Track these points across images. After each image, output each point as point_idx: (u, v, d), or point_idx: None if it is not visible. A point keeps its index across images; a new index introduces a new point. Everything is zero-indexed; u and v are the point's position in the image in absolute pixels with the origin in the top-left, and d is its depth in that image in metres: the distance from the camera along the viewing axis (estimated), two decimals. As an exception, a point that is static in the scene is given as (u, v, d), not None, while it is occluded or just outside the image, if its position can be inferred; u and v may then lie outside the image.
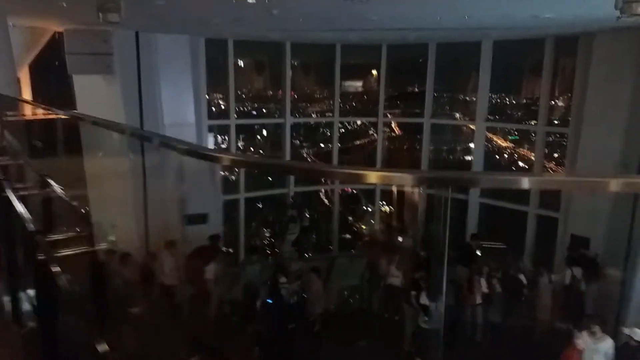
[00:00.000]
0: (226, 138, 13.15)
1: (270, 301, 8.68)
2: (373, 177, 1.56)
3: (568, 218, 10.38)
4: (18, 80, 10.49)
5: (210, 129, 12.68)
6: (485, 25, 8.69)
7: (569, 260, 9.55)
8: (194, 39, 11.17)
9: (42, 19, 8.66)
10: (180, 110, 11.22)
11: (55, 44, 10.27)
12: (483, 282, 9.07)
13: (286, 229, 11.88)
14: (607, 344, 6.84)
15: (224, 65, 12.09)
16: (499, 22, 8.12)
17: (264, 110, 14.02)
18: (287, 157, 13.11)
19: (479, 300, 9.01)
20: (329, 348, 9.02)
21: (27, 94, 11.00)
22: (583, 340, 6.92)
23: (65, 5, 6.50)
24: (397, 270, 9.81)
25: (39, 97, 11.36)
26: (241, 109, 13.79)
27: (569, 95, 10.75)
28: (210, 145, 12.72)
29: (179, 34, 10.66)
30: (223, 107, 13.06)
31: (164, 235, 10.68)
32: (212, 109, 12.77)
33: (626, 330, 6.87)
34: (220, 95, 13.14)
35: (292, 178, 13.12)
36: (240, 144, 14.52)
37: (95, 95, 10.14)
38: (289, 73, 12.81)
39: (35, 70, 11.03)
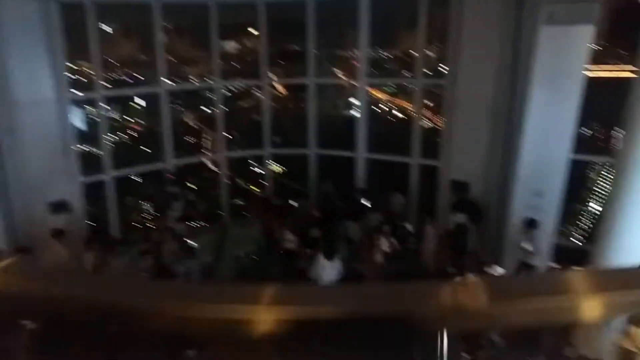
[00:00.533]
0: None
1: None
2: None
3: (448, 165, 10.90)
4: None
5: (78, 103, 11.33)
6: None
7: (453, 207, 10.07)
8: (46, 4, 9.75)
9: None
10: (35, 85, 9.90)
11: None
12: (384, 241, 9.02)
13: (167, 207, 11.12)
14: None
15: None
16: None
17: (141, 77, 12.83)
18: (167, 126, 12.22)
19: (380, 259, 8.98)
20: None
21: None
22: None
23: None
24: (291, 234, 9.66)
25: None
26: (114, 77, 12.54)
27: (444, 46, 11.05)
28: (77, 122, 11.37)
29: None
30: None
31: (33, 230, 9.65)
32: (82, 81, 11.39)
33: (487, 269, 7.19)
34: (89, 66, 11.71)
35: (170, 149, 12.29)
36: (116, 115, 13.32)
37: None
38: (160, 37, 11.75)
39: None
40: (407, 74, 12.29)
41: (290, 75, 13.76)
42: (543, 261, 9.23)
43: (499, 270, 7.12)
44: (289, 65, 13.89)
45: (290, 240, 9.66)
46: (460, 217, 9.72)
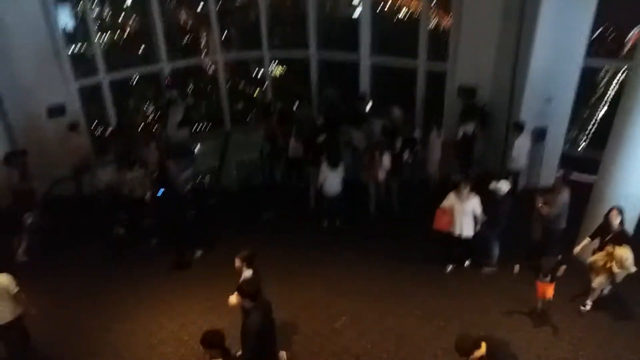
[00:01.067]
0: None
1: (161, 192, 8.06)
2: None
3: (455, 70, 10.46)
4: None
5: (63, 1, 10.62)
6: None
7: (461, 115, 9.80)
8: None
9: None
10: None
11: None
12: (386, 158, 8.67)
13: (166, 112, 10.82)
14: (473, 202, 7.04)
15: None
16: None
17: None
18: (158, 26, 11.51)
19: (382, 176, 8.74)
20: (235, 224, 8.87)
21: None
22: (449, 201, 7.16)
23: None
24: (296, 141, 9.50)
25: None
26: None
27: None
28: (65, 22, 10.72)
29: None
30: None
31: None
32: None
33: (492, 185, 7.07)
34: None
35: (163, 51, 11.71)
36: (106, 14, 12.53)
37: None
38: None
39: None
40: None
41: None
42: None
43: (504, 187, 7.02)
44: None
45: (294, 147, 9.51)
46: (469, 126, 9.49)
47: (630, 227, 7.08)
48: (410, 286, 7.27)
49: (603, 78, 12.00)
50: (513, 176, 9.08)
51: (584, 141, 11.99)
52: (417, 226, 8.32)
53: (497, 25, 9.46)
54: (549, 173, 9.43)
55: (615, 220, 6.22)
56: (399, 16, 13.05)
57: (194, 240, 8.08)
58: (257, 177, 10.33)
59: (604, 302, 6.60)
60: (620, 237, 6.15)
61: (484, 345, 4.34)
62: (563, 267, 6.14)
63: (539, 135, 8.78)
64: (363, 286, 7.30)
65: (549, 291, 6.23)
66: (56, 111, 10.15)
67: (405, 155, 8.81)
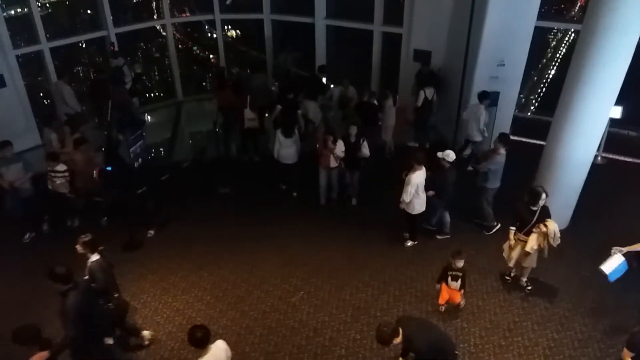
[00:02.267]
0: None
1: (109, 169, 7.73)
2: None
3: (411, 33, 10.30)
4: None
5: None
6: None
7: (419, 80, 9.70)
8: None
9: None
10: None
11: None
12: (340, 145, 7.90)
13: (112, 81, 10.27)
14: (422, 175, 6.99)
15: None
16: None
17: None
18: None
19: (333, 164, 8.10)
20: (188, 200, 8.64)
21: None
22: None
23: None
24: (251, 112, 9.22)
25: None
26: None
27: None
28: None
29: None
30: None
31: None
32: None
33: (439, 154, 7.06)
34: None
35: (109, 17, 11.02)
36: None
37: None
38: None
39: None
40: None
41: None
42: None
43: (451, 156, 7.05)
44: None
45: (250, 118, 9.23)
46: (429, 91, 9.42)
47: (576, 191, 7.30)
48: (366, 258, 7.30)
49: (553, 39, 12.10)
50: (471, 145, 9.20)
51: (535, 104, 12.18)
52: (374, 198, 8.40)
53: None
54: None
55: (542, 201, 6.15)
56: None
57: (145, 219, 7.84)
58: (212, 150, 10.01)
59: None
60: (545, 213, 6.19)
61: (401, 331, 4.45)
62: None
63: (492, 100, 8.78)
64: (320, 259, 7.29)
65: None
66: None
67: (364, 148, 7.96)
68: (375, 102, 9.39)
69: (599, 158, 9.30)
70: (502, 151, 7.26)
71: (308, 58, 11.93)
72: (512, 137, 9.51)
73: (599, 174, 7.98)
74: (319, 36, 11.81)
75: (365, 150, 7.94)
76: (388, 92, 9.42)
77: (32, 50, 10.40)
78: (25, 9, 10.25)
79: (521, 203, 6.26)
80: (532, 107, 12.16)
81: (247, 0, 12.62)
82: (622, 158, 9.56)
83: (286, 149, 8.33)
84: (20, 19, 10.48)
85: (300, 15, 11.98)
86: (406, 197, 6.98)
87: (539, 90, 12.72)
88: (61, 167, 7.36)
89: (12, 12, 10.43)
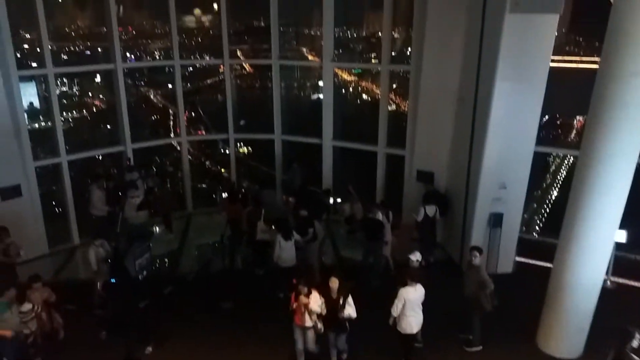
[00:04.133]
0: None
1: (114, 281, 7.69)
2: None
3: (413, 155, 10.76)
4: None
5: (32, 79, 10.63)
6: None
7: (424, 199, 9.95)
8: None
9: None
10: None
11: None
12: (315, 298, 6.54)
13: (124, 195, 10.62)
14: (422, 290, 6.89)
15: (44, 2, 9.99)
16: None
17: (99, 50, 12.10)
18: (123, 104, 11.52)
19: (308, 322, 6.67)
20: (190, 315, 8.44)
21: None
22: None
23: None
24: (265, 225, 9.38)
25: None
26: (73, 49, 11.93)
27: (409, 29, 10.78)
28: (28, 100, 10.67)
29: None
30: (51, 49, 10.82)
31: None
32: (32, 56, 10.69)
33: (410, 256, 7.30)
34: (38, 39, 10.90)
35: (127, 132, 11.67)
36: (71, 92, 12.63)
37: None
38: (113, 10, 10.90)
39: None
40: (374, 58, 12.00)
41: (257, 53, 13.28)
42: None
43: (417, 256, 7.27)
44: (255, 42, 13.39)
45: (263, 230, 9.37)
46: (431, 208, 9.62)
47: (588, 316, 7.10)
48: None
49: (553, 163, 12.55)
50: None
51: (539, 226, 12.30)
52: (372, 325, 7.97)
53: (452, 111, 9.93)
54: (507, 258, 9.54)
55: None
56: (360, 101, 13.61)
57: (144, 334, 7.62)
58: (217, 263, 10.00)
59: None
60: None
61: None
62: None
63: (495, 222, 8.92)
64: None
65: None
66: (11, 192, 9.86)
67: (349, 307, 6.57)
68: (381, 217, 9.52)
69: (608, 282, 9.16)
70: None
71: (315, 175, 12.34)
72: (518, 259, 9.52)
73: (610, 299, 7.81)
74: (326, 156, 12.33)
75: (351, 310, 6.57)
76: (384, 208, 9.57)
77: (52, 162, 10.89)
78: (49, 123, 10.93)
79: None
80: (537, 228, 12.25)
81: (259, 121, 13.40)
82: (632, 283, 9.41)
83: (286, 251, 8.51)
84: (43, 131, 11.13)
85: (309, 136, 12.63)
86: (393, 311, 6.74)
87: (543, 212, 12.91)
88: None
89: (36, 125, 11.09)
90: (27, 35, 10.66)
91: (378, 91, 11.83)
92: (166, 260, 10.85)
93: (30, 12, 9.99)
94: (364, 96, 13.54)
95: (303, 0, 12.55)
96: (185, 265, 10.45)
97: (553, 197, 13.63)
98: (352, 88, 13.63)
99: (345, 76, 13.30)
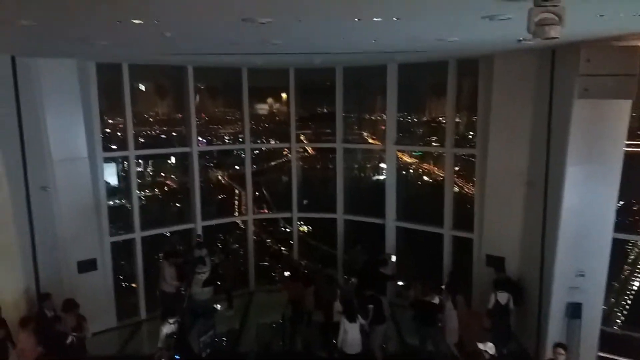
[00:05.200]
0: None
1: (177, 357, 7.74)
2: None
3: (482, 239, 10.46)
4: None
5: (111, 160, 11.54)
6: (393, 49, 8.55)
7: (495, 285, 9.53)
8: (83, 63, 10.10)
9: None
10: (70, 143, 10.05)
11: None
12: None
13: (193, 271, 10.91)
14: None
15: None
16: (405, 45, 7.98)
17: (174, 134, 13.13)
18: (197, 184, 12.26)
19: None
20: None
21: None
22: None
23: None
24: (341, 305, 9.23)
25: None
26: (150, 133, 12.92)
27: (474, 114, 10.92)
28: (109, 179, 11.54)
29: (64, 57, 9.54)
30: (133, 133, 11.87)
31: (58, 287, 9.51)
32: (115, 138, 11.68)
33: (480, 345, 6.87)
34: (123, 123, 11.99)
35: (198, 210, 12.23)
36: (148, 172, 13.52)
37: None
38: (192, 99, 12.01)
39: None
40: (435, 142, 12.16)
41: (320, 137, 13.85)
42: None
43: (488, 347, 6.79)
44: (319, 127, 14.03)
45: (339, 311, 9.13)
46: (503, 296, 9.14)
47: None
48: None
49: (632, 251, 11.75)
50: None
51: (621, 319, 11.33)
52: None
53: (521, 195, 9.67)
54: (589, 353, 8.77)
55: None
56: (424, 182, 13.61)
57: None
58: (277, 343, 9.85)
59: None
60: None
61: None
62: None
63: (574, 312, 8.33)
64: None
65: None
66: (87, 266, 10.37)
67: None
68: (437, 301, 9.11)
69: None
70: None
71: (378, 255, 12.18)
72: (600, 354, 8.76)
73: None
74: (389, 236, 12.23)
75: None
76: (450, 293, 9.21)
77: (126, 238, 11.49)
78: (125, 200, 11.67)
79: None
80: (618, 322, 11.29)
81: (321, 200, 13.66)
82: None
83: (351, 335, 8.22)
84: (119, 208, 11.85)
85: (371, 216, 12.65)
86: None
87: (624, 304, 11.92)
88: None
89: (111, 202, 11.82)
90: (110, 121, 11.72)
91: (440, 173, 11.85)
92: (227, 338, 10.81)
93: (118, 101, 11.09)
94: (426, 178, 13.57)
95: (366, 89, 13.12)
96: (246, 344, 10.36)
97: (634, 288, 12.61)
98: (413, 170, 13.73)
99: (406, 158, 13.46)
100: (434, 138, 12.48)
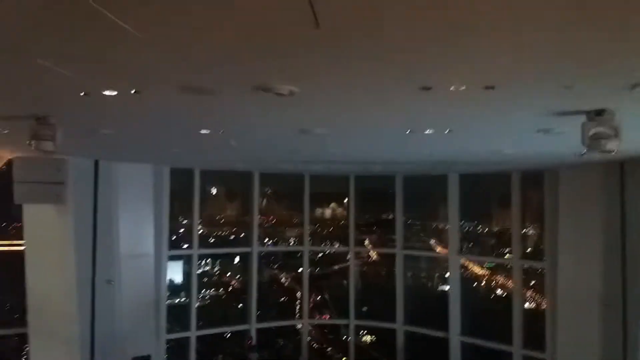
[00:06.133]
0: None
1: None
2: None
3: (555, 357, 9.49)
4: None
5: (179, 258, 11.96)
6: (449, 159, 8.60)
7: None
8: (159, 168, 10.91)
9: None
10: (138, 240, 10.56)
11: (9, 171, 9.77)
12: None
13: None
14: None
15: (201, 194, 11.88)
16: (462, 156, 8.01)
17: (242, 235, 13.56)
18: (254, 285, 12.33)
19: None
20: None
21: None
22: None
23: (6, 132, 6.17)
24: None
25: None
26: (219, 234, 13.48)
27: (541, 225, 10.45)
28: (172, 277, 11.87)
29: (141, 162, 10.38)
30: (203, 232, 12.47)
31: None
32: (180, 237, 12.18)
33: None
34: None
35: (254, 312, 12.15)
36: (211, 271, 13.81)
37: (45, 224, 9.48)
38: (257, 203, 12.56)
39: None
40: (508, 252, 11.58)
41: (386, 243, 13.67)
42: None
43: None
44: (379, 233, 13.95)
45: None
46: None
47: None
48: None
49: None
50: None
51: None
52: None
53: (597, 313, 8.80)
54: None
55: None
56: (495, 295, 12.82)
57: None
58: None
59: None
60: None
61: None
62: None
63: None
64: None
65: None
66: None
67: None
68: None
69: None
70: None
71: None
72: None
73: None
74: (454, 352, 11.41)
75: None
76: None
77: (182, 336, 11.49)
78: (185, 299, 11.84)
79: None
80: None
81: (382, 309, 13.15)
82: None
83: None
84: (180, 306, 11.99)
85: (433, 329, 11.94)
86: None
87: None
88: None
89: (175, 300, 12.02)
90: (184, 221, 12.31)
91: (512, 286, 11.16)
92: None
93: (188, 204, 11.73)
94: (498, 291, 12.82)
95: (428, 196, 13.06)
96: None
97: None
98: (484, 282, 13.05)
99: (477, 269, 12.91)
100: (507, 249, 11.94)
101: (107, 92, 3.98)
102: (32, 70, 3.40)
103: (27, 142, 4.99)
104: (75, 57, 3.16)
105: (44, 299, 9.30)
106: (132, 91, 3.96)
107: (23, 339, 9.92)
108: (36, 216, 9.50)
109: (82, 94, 4.01)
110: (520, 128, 5.33)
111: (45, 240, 9.42)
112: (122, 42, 2.79)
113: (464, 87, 3.63)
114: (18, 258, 9.67)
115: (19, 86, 3.95)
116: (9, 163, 9.12)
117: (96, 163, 9.75)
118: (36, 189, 8.69)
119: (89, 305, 9.61)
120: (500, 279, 12.48)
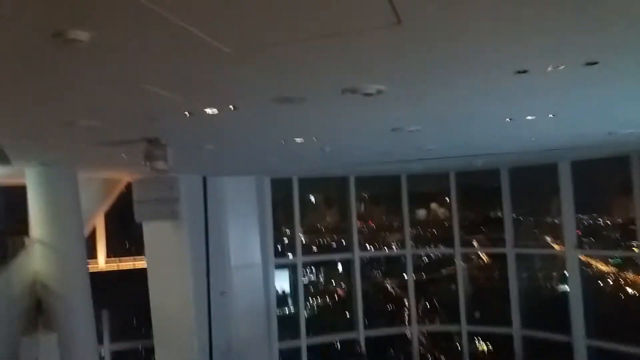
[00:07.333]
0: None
1: None
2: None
3: None
4: (94, 229, 11.01)
5: (285, 267, 12.36)
6: (558, 146, 7.98)
7: None
8: (260, 179, 11.36)
9: (110, 170, 9.15)
10: (246, 251, 11.07)
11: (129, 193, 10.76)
12: None
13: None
14: None
15: (300, 202, 12.21)
16: (572, 141, 7.39)
17: (343, 242, 13.68)
18: (359, 292, 12.38)
19: None
20: None
21: (101, 242, 11.45)
22: None
23: (125, 157, 6.78)
24: None
25: (113, 245, 11.81)
26: (321, 241, 13.70)
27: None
28: (279, 283, 12.26)
29: (244, 175, 10.87)
30: (304, 241, 12.80)
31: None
32: (285, 246, 12.61)
33: None
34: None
35: (361, 319, 12.12)
36: (316, 279, 14.08)
37: (162, 241, 10.24)
38: (354, 207, 12.57)
39: (111, 218, 11.53)
40: (637, 247, 10.43)
41: (496, 243, 12.99)
42: None
43: None
44: (486, 232, 13.24)
45: None
46: None
47: None
48: None
49: None
50: None
51: None
52: None
53: None
54: None
55: None
56: (625, 293, 11.61)
57: None
58: None
59: None
60: None
61: None
62: None
63: None
64: None
65: None
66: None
67: None
68: None
69: None
70: None
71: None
72: None
73: None
74: (580, 357, 10.47)
75: None
76: None
77: (293, 345, 11.76)
78: (293, 308, 12.20)
79: None
80: None
81: (497, 313, 12.50)
82: None
83: None
84: (289, 316, 12.34)
85: (555, 332, 11.08)
86: None
87: None
88: None
89: (284, 310, 12.38)
90: (287, 230, 12.70)
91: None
92: None
93: (288, 213, 12.09)
94: (628, 289, 11.57)
95: (538, 189, 12.19)
96: None
97: None
98: (612, 279, 11.86)
99: (601, 266, 11.79)
100: (634, 242, 10.78)
101: (208, 110, 4.23)
102: (142, 96, 3.71)
103: (142, 163, 5.46)
104: (177, 80, 3.40)
105: (165, 312, 9.98)
106: (231, 107, 4.17)
107: (149, 351, 10.71)
108: (155, 233, 10.30)
109: (186, 113, 4.29)
110: (631, 104, 4.82)
111: (164, 256, 10.14)
112: (218, 62, 2.96)
113: (562, 67, 3.36)
114: (138, 274, 10.54)
115: (132, 111, 4.32)
116: (128, 186, 10.04)
117: (204, 179, 10.39)
118: (153, 207, 9.47)
119: (206, 316, 10.20)
120: (630, 275, 11.26)
